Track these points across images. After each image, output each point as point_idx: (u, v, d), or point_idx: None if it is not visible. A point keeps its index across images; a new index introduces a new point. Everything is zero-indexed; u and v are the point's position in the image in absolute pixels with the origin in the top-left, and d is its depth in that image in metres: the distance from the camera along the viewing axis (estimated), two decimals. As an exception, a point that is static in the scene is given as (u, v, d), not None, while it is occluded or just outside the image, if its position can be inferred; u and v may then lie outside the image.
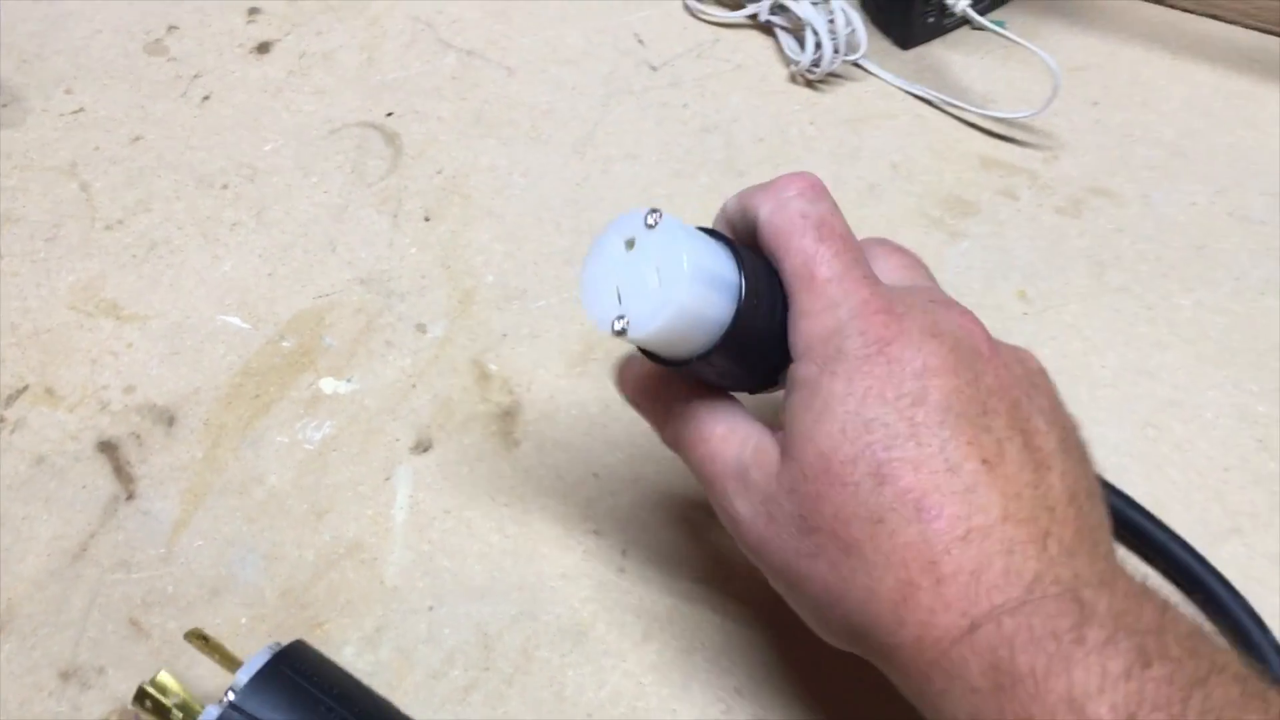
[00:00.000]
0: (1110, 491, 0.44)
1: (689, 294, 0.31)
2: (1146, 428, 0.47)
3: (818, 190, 0.33)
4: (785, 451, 0.32)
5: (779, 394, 0.35)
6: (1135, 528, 0.43)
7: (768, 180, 0.34)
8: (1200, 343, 0.49)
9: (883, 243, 0.37)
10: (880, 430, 0.30)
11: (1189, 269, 0.52)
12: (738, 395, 0.36)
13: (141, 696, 0.37)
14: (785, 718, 0.40)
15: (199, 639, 0.39)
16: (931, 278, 0.37)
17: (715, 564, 0.44)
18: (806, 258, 0.32)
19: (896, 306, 0.32)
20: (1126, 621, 0.27)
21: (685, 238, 0.32)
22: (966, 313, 0.33)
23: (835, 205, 0.34)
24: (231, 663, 0.38)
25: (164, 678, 0.37)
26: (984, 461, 0.30)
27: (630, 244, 0.32)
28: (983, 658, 0.27)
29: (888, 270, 0.35)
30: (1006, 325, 0.50)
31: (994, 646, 0.27)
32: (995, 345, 0.33)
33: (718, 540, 0.44)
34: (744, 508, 0.33)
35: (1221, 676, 0.27)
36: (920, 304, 0.32)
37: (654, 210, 0.32)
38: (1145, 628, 0.27)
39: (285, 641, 0.38)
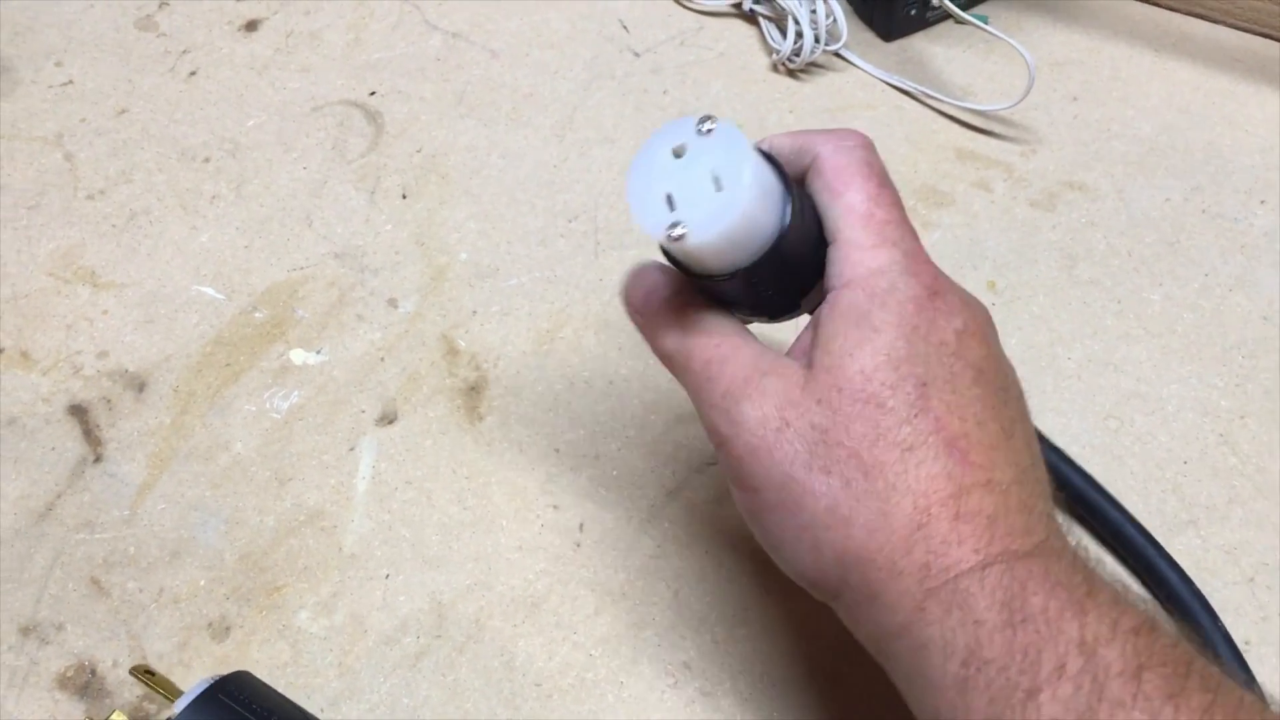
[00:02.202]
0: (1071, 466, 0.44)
1: (751, 199, 0.30)
2: (1109, 419, 0.47)
3: (871, 144, 0.34)
4: (816, 365, 0.31)
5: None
6: (1096, 510, 0.44)
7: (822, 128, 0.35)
8: (1167, 337, 0.49)
9: None
10: (923, 365, 0.30)
11: (1160, 264, 0.52)
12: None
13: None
14: (732, 691, 0.41)
15: (144, 674, 0.39)
16: None
17: (670, 542, 0.44)
18: (869, 196, 0.33)
19: (938, 268, 0.33)
20: (1125, 596, 0.29)
21: (746, 144, 0.31)
22: (979, 300, 0.35)
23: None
24: (175, 694, 0.37)
25: (117, 717, 0.38)
26: (1003, 429, 0.31)
27: (680, 152, 0.32)
28: (992, 593, 0.28)
29: None
30: (974, 315, 0.50)
31: (1006, 584, 0.28)
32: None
33: (674, 519, 0.45)
34: (752, 411, 0.32)
35: (1204, 661, 0.28)
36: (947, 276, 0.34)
37: (708, 116, 0.31)
38: (1139, 606, 0.29)
39: (225, 672, 0.37)
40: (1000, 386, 0.32)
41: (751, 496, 0.32)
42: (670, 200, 0.31)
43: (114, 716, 0.38)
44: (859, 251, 0.32)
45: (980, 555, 0.29)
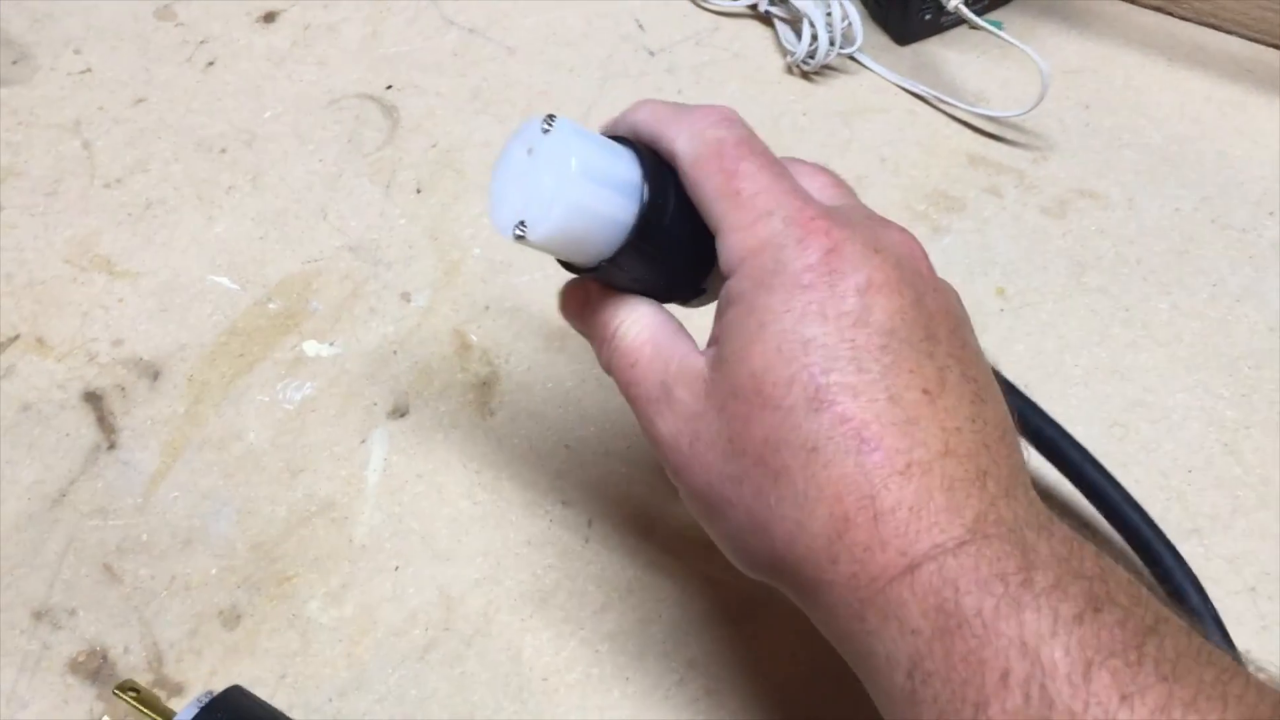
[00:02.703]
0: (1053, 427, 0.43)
1: (579, 191, 0.31)
2: (1114, 426, 0.48)
3: (733, 118, 0.32)
4: (716, 369, 0.30)
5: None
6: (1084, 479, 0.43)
7: (682, 105, 0.33)
8: (1174, 345, 0.50)
9: (802, 162, 0.34)
10: (818, 351, 0.28)
11: (1168, 273, 0.52)
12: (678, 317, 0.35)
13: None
14: (738, 690, 0.41)
15: (130, 691, 0.38)
16: (858, 199, 0.34)
17: (678, 539, 0.45)
18: (729, 175, 0.30)
19: (835, 216, 0.30)
20: (1071, 566, 0.26)
21: (576, 138, 0.31)
22: (905, 231, 0.32)
23: (753, 131, 0.32)
24: (162, 714, 0.37)
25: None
26: (925, 391, 0.28)
27: (531, 151, 0.32)
28: (924, 599, 0.26)
29: (814, 189, 0.32)
30: (983, 320, 0.51)
31: (936, 588, 0.26)
32: (932, 267, 0.32)
33: (682, 516, 0.45)
34: (666, 427, 0.31)
35: (1169, 625, 0.26)
36: (858, 219, 0.31)
37: (550, 116, 0.32)
38: (1089, 573, 0.26)
39: (218, 690, 0.37)
40: (923, 336, 0.29)
41: (687, 502, 0.32)
42: (518, 197, 0.32)
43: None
44: (736, 234, 0.30)
45: (907, 558, 0.26)
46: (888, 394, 0.28)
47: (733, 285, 0.30)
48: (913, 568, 0.26)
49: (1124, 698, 0.23)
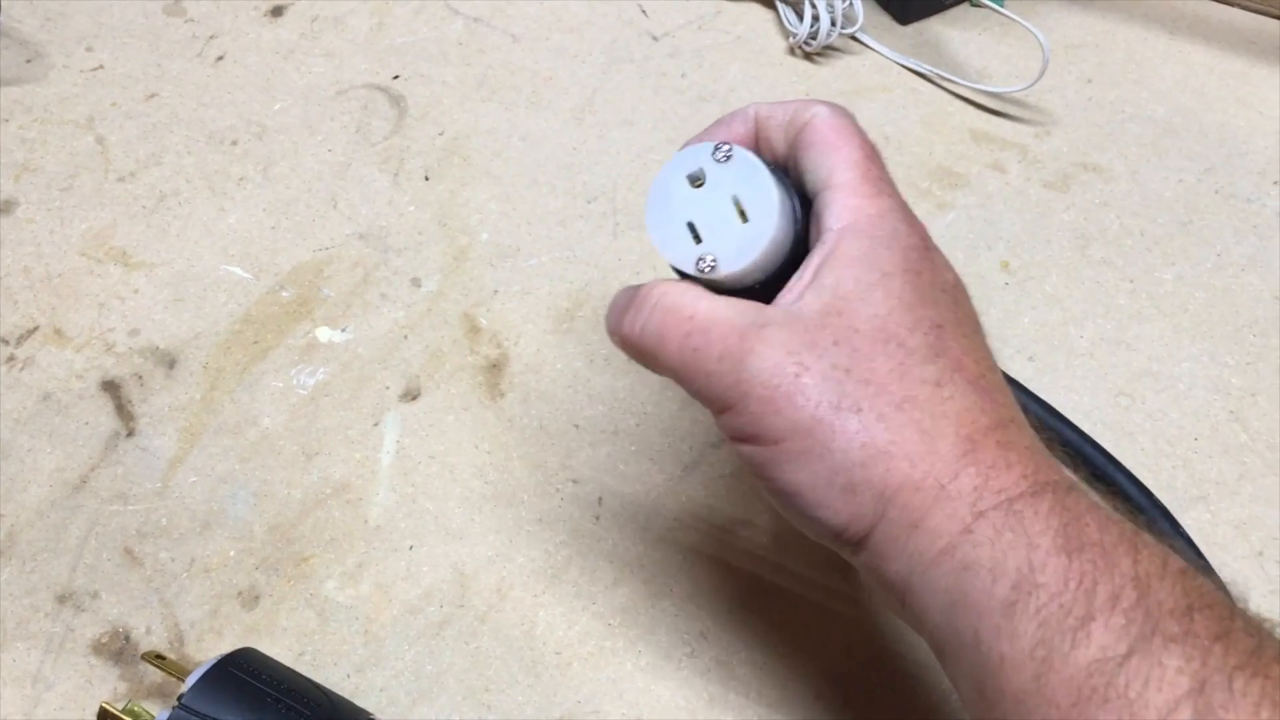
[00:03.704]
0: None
1: (779, 227, 0.31)
2: (1120, 396, 0.48)
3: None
4: (824, 308, 0.31)
5: None
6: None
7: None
8: (1179, 315, 0.50)
9: None
10: (933, 308, 0.31)
11: (1172, 244, 0.52)
12: None
13: (103, 715, 0.38)
14: (748, 660, 0.42)
15: (155, 658, 0.40)
16: None
17: (687, 514, 0.45)
18: (866, 154, 0.33)
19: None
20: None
21: (767, 171, 0.32)
22: None
23: None
24: (186, 674, 0.38)
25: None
26: (1001, 380, 0.32)
27: (698, 180, 0.32)
28: (1047, 519, 0.28)
29: None
30: (988, 294, 0.51)
31: (1060, 511, 0.28)
32: None
33: (690, 493, 0.46)
34: (760, 364, 0.31)
35: (1243, 610, 0.28)
36: None
37: (723, 143, 0.32)
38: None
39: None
40: (983, 339, 0.33)
41: (772, 450, 0.31)
42: (694, 229, 0.32)
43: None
44: (858, 198, 0.32)
45: (1029, 481, 0.29)
46: (987, 364, 0.32)
47: (848, 239, 0.32)
48: (1035, 491, 0.28)
49: (1218, 638, 0.25)
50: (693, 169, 0.32)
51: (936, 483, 0.29)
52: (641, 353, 0.34)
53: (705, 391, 0.32)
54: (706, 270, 0.32)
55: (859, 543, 0.31)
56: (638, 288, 0.34)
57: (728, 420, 0.32)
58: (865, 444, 0.30)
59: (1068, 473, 0.31)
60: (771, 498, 0.32)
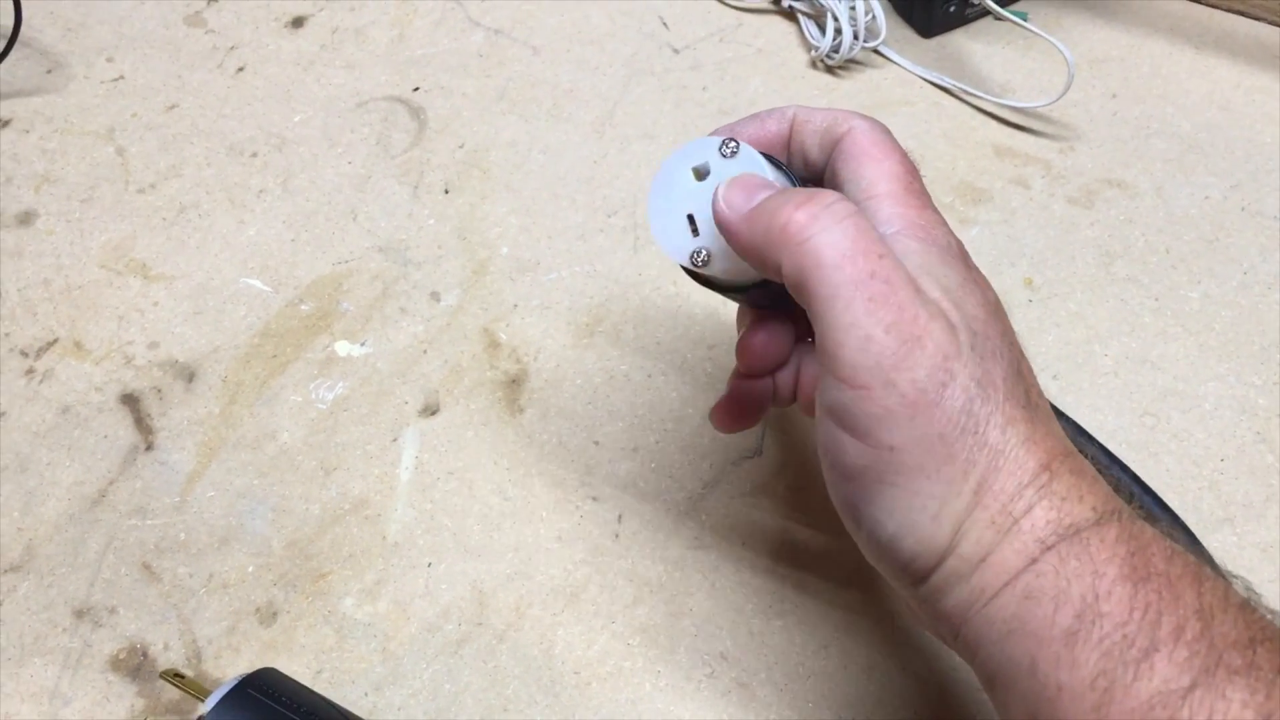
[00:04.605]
0: None
1: None
2: (1145, 416, 0.47)
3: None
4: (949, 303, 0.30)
5: None
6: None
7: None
8: (1204, 334, 0.50)
9: None
10: (1002, 322, 0.31)
11: (1198, 261, 0.52)
12: None
13: None
14: (769, 682, 0.41)
15: (174, 677, 0.40)
16: None
17: (707, 534, 0.45)
18: (909, 168, 0.33)
19: None
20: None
21: (769, 168, 0.31)
22: None
23: None
24: (205, 694, 0.38)
25: None
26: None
27: (701, 173, 0.32)
28: (1113, 548, 0.27)
29: None
30: (1011, 311, 0.50)
31: (1127, 541, 0.27)
32: None
33: (711, 511, 0.45)
34: (924, 360, 0.28)
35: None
36: None
37: (730, 139, 0.31)
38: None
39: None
40: (1020, 354, 0.32)
41: (882, 455, 0.28)
42: (693, 221, 0.32)
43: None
44: (904, 208, 0.32)
45: (1097, 512, 0.28)
46: (1037, 381, 0.31)
47: (902, 242, 0.31)
48: (1101, 521, 0.28)
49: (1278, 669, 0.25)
50: (698, 161, 0.32)
51: (1010, 517, 0.28)
52: (769, 243, 0.30)
53: (843, 352, 0.29)
54: (700, 265, 0.31)
55: (923, 576, 0.29)
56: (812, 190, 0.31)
57: (842, 401, 0.29)
58: (966, 471, 0.28)
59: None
60: (846, 507, 0.30)
